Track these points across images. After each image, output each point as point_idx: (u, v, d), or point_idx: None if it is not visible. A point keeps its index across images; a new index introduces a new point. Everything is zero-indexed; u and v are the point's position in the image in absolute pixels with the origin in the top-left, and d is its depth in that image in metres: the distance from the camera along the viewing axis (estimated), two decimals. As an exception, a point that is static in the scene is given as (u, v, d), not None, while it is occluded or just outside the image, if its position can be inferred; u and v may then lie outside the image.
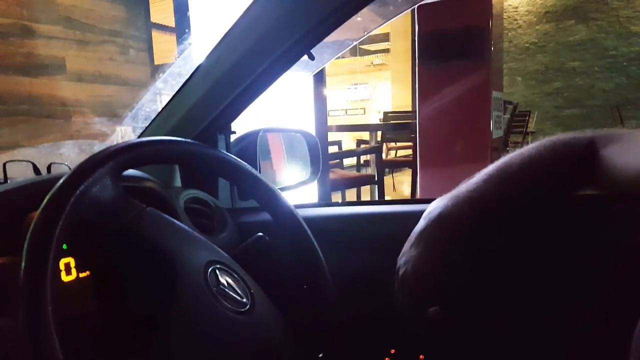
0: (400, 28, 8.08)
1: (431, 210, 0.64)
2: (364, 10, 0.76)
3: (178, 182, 0.92)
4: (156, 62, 4.39)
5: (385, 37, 9.04)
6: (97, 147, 0.52)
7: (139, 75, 4.16)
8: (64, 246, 0.51)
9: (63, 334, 0.39)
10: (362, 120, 10.46)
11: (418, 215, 0.66)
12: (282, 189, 0.71)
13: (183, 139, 0.60)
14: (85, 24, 3.72)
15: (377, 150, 3.52)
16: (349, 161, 5.26)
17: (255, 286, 0.60)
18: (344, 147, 5.22)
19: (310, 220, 0.70)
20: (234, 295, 0.55)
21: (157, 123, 0.92)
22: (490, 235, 0.66)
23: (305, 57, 0.81)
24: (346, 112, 11.66)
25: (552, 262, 0.69)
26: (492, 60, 2.80)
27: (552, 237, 0.68)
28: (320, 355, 0.65)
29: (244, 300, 0.55)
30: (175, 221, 0.58)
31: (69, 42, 3.60)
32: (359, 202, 1.22)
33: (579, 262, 0.67)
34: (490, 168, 0.64)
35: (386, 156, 5.55)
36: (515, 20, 8.06)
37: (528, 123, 6.10)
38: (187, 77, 0.88)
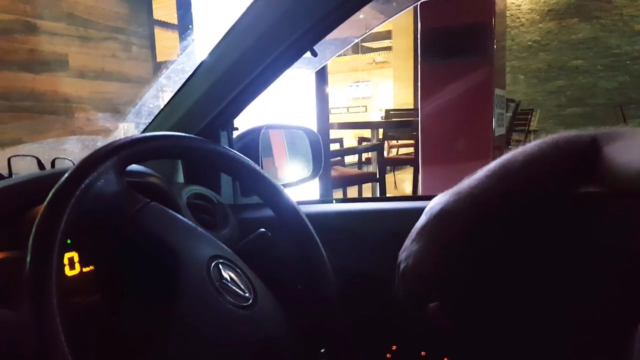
0: (402, 25, 8.06)
1: (433, 206, 0.64)
2: (367, 7, 0.77)
3: (181, 178, 0.92)
4: (158, 59, 4.40)
5: (387, 35, 9.02)
6: (101, 143, 0.52)
7: (142, 72, 4.16)
8: (68, 241, 0.52)
9: (67, 328, 0.40)
10: (364, 118, 10.44)
11: (420, 211, 0.66)
12: (283, 186, 0.71)
13: (187, 135, 0.60)
14: (88, 21, 3.72)
15: (378, 148, 3.52)
16: (351, 159, 5.26)
17: (257, 281, 0.60)
18: (346, 145, 5.22)
19: (312, 217, 0.70)
20: (237, 290, 0.55)
21: (160, 119, 0.93)
22: (491, 231, 0.66)
23: (308, 54, 0.82)
24: (348, 110, 11.65)
25: (552, 260, 0.69)
26: (495, 58, 2.80)
27: (553, 234, 0.69)
28: (322, 350, 0.65)
29: (247, 295, 0.56)
30: (179, 216, 0.58)
31: (72, 38, 3.61)
32: (361, 199, 1.22)
33: (580, 259, 0.67)
34: (493, 165, 0.64)
35: (387, 154, 5.54)
36: (518, 18, 8.03)
37: (530, 121, 6.09)
38: (190, 73, 0.89)
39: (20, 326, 0.45)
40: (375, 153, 3.50)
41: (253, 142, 0.97)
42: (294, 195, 0.71)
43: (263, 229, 0.69)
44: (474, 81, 2.75)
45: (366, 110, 11.47)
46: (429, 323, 0.67)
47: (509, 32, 7.73)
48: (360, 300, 0.78)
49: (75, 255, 0.57)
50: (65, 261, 0.56)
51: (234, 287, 0.55)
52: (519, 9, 8.02)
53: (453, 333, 0.72)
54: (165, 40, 4.55)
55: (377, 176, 3.33)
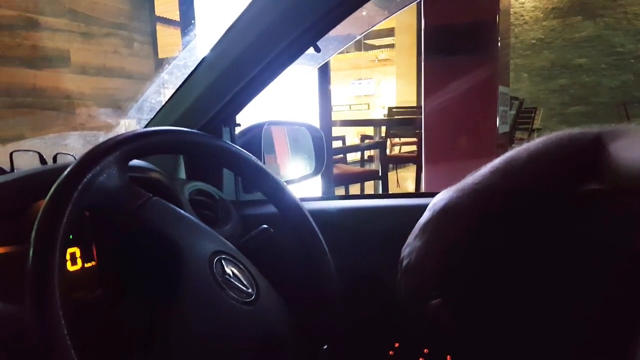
0: (405, 23, 8.04)
1: (436, 202, 0.64)
2: (370, 3, 0.76)
3: (183, 175, 0.92)
4: (160, 56, 4.39)
5: (390, 32, 9.00)
6: (102, 138, 0.52)
7: (143, 68, 4.16)
8: (70, 236, 0.51)
9: (69, 322, 0.39)
10: (366, 116, 10.42)
11: (423, 208, 0.66)
12: (285, 183, 0.71)
13: (190, 130, 0.60)
14: (90, 17, 3.72)
15: (381, 146, 3.52)
16: (353, 157, 5.25)
17: (260, 277, 0.60)
18: (348, 143, 5.22)
19: (314, 213, 0.70)
20: (240, 285, 0.55)
21: (162, 115, 0.92)
22: (494, 228, 0.66)
23: (311, 50, 0.81)
24: (350, 108, 11.63)
25: (555, 257, 0.69)
26: (499, 55, 2.79)
27: (557, 231, 0.68)
28: (324, 347, 0.65)
29: (249, 290, 0.55)
30: (181, 211, 0.58)
31: (74, 34, 3.60)
32: (363, 196, 1.22)
33: (582, 257, 0.67)
34: (497, 161, 0.64)
35: (390, 152, 5.54)
36: (522, 16, 8.00)
37: (534, 120, 6.07)
38: (192, 69, 0.88)
39: (23, 320, 0.45)
40: (377, 151, 3.50)
41: (255, 139, 0.97)
42: (296, 192, 0.71)
43: (265, 226, 0.69)
44: (478, 78, 2.74)
45: (369, 108, 11.46)
46: (430, 320, 0.67)
47: (513, 30, 7.71)
48: (362, 297, 0.77)
49: (77, 250, 0.57)
50: (67, 257, 0.56)
51: (236, 283, 0.54)
52: (523, 7, 8.00)
53: (454, 330, 0.72)
54: (167, 37, 4.54)
55: (380, 174, 3.33)
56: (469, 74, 2.76)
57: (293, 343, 0.59)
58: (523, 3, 8.00)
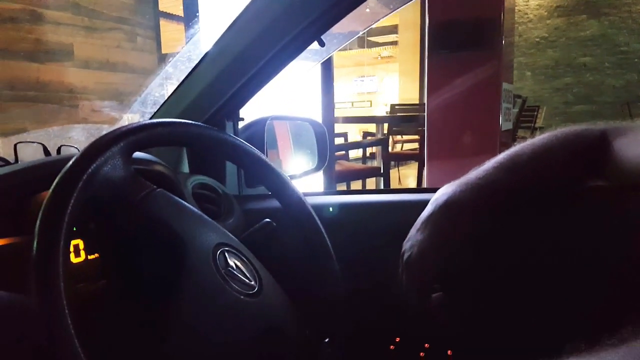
0: (408, 20, 8.01)
1: (439, 196, 0.64)
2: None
3: (186, 168, 0.92)
4: (163, 51, 4.39)
5: (393, 29, 8.97)
6: (106, 131, 0.52)
7: (146, 63, 4.15)
8: (74, 228, 0.51)
9: (73, 313, 0.40)
10: (369, 113, 10.41)
11: (424, 204, 0.66)
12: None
13: (194, 122, 0.60)
14: (94, 11, 3.72)
15: (383, 143, 3.52)
16: (355, 154, 5.25)
17: (263, 270, 0.60)
18: (350, 140, 5.21)
19: (317, 208, 0.70)
20: (243, 278, 0.55)
21: (166, 108, 0.93)
22: (497, 223, 0.66)
23: (314, 45, 0.81)
24: (352, 105, 11.62)
25: (558, 253, 0.69)
26: (503, 52, 2.78)
27: (560, 227, 0.68)
28: (326, 340, 0.65)
29: (252, 283, 0.56)
30: (185, 203, 0.58)
31: (77, 28, 3.60)
32: (366, 191, 1.22)
33: (586, 253, 0.67)
34: (501, 157, 0.64)
35: (392, 149, 5.54)
36: (526, 14, 7.97)
37: (536, 118, 6.05)
38: (196, 62, 0.88)
39: (27, 310, 0.45)
40: (379, 148, 3.49)
41: (258, 133, 0.97)
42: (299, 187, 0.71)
43: (268, 219, 0.69)
44: (482, 75, 2.73)
45: (371, 105, 11.44)
46: (431, 314, 0.67)
47: (517, 29, 7.68)
48: (364, 292, 0.77)
49: (80, 242, 0.57)
50: (71, 249, 0.56)
51: (239, 275, 0.55)
52: (527, 5, 7.96)
53: (455, 324, 0.72)
54: (170, 32, 4.54)
55: (382, 171, 3.32)
56: (472, 70, 2.75)
57: (295, 336, 0.59)
58: (527, 1, 7.96)
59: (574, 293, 0.67)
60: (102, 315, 0.54)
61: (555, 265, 0.68)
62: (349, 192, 0.99)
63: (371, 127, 5.16)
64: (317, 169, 1.11)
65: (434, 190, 0.68)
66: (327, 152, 1.11)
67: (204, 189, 0.83)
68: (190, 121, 0.60)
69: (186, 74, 0.89)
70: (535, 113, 5.98)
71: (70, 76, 3.54)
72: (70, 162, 0.46)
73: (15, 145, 0.69)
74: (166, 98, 0.93)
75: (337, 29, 0.81)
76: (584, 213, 0.67)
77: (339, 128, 4.52)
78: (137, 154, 0.57)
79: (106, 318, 0.54)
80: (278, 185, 0.68)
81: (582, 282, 0.67)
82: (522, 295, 0.71)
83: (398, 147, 6.22)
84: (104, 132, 0.51)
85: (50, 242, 0.41)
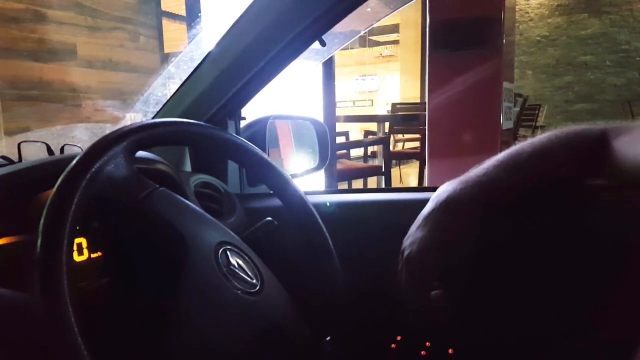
0: (410, 19, 8.01)
1: (439, 193, 0.64)
2: (375, -1, 0.76)
3: (188, 167, 0.93)
4: (166, 51, 4.39)
5: (394, 28, 8.97)
6: (109, 131, 0.53)
7: (149, 62, 4.16)
8: (77, 227, 0.52)
9: (76, 311, 0.40)
10: (370, 112, 10.40)
11: (425, 202, 0.66)
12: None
13: (196, 121, 0.60)
14: (96, 10, 3.72)
15: (384, 142, 3.52)
16: (356, 152, 5.25)
17: (264, 268, 0.60)
18: (351, 139, 5.21)
19: (318, 207, 0.70)
20: (244, 276, 0.55)
21: (168, 108, 0.93)
22: (497, 221, 0.66)
23: (315, 44, 0.81)
24: (354, 104, 11.61)
25: (557, 251, 0.69)
26: (504, 51, 2.77)
27: (559, 225, 0.68)
28: (327, 338, 0.66)
29: (254, 281, 0.56)
30: (187, 202, 0.58)
31: (80, 28, 3.61)
32: (367, 190, 1.22)
33: (585, 252, 0.67)
34: (501, 155, 0.64)
35: (393, 148, 5.54)
36: (527, 12, 7.96)
37: (537, 117, 6.05)
38: (198, 62, 0.89)
39: (30, 307, 0.46)
40: (381, 146, 3.49)
41: (260, 132, 0.97)
42: (300, 186, 0.71)
43: (269, 218, 0.70)
44: (483, 74, 2.73)
45: (372, 104, 11.43)
46: (431, 311, 0.67)
47: (518, 27, 7.67)
48: (365, 290, 0.78)
49: (83, 241, 0.58)
50: (74, 247, 0.56)
51: (241, 274, 0.55)
52: (528, 4, 7.95)
53: (454, 322, 0.72)
54: (172, 31, 4.54)
55: (383, 169, 3.32)
56: (473, 69, 2.75)
57: (297, 334, 0.60)
58: (528, 0, 7.95)
59: (574, 292, 0.67)
60: (105, 314, 0.55)
61: (554, 263, 0.69)
62: (350, 191, 1.00)
63: (372, 126, 5.16)
64: (318, 168, 1.12)
65: (434, 189, 0.68)
66: (328, 151, 1.11)
67: (206, 188, 0.83)
68: (192, 121, 0.60)
69: (188, 73, 0.90)
70: (536, 112, 5.98)
71: (73, 75, 3.55)
72: (74, 162, 0.46)
73: (19, 145, 0.69)
74: (168, 97, 0.94)
75: (338, 28, 0.81)
76: (584, 212, 0.67)
77: (340, 127, 4.52)
78: (140, 153, 0.58)
79: (108, 316, 0.54)
80: (279, 184, 0.68)
81: (581, 281, 0.67)
82: (522, 294, 0.71)
83: (399, 146, 6.22)
84: (107, 132, 0.52)
85: (54, 241, 0.41)
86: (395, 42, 9.80)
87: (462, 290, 0.68)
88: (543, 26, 7.92)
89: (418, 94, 8.01)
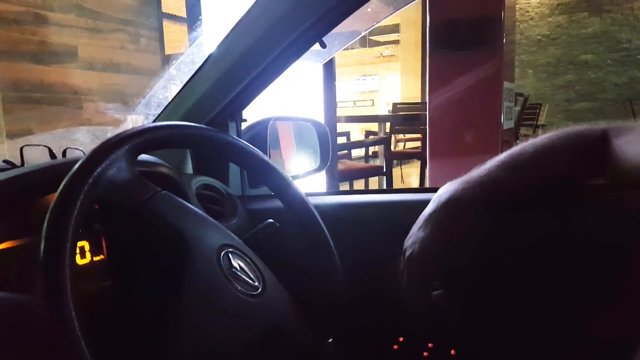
0: (410, 19, 8.01)
1: (441, 193, 0.65)
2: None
3: (189, 169, 0.93)
4: (167, 52, 4.40)
5: (395, 28, 8.97)
6: (111, 134, 0.53)
7: (150, 64, 4.17)
8: (79, 230, 0.52)
9: (79, 314, 0.40)
10: (371, 112, 10.39)
11: (426, 203, 0.66)
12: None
13: (197, 124, 0.61)
14: (97, 12, 3.73)
15: (385, 142, 3.52)
16: (357, 153, 5.25)
17: (266, 271, 0.60)
18: (352, 139, 5.21)
19: (319, 208, 0.70)
20: (246, 278, 0.55)
21: (169, 110, 0.93)
22: (498, 220, 0.66)
23: (316, 46, 0.82)
24: (354, 104, 11.59)
25: (559, 251, 0.69)
26: (504, 51, 2.77)
27: (560, 225, 0.69)
28: (330, 340, 0.66)
29: (256, 283, 0.56)
30: (189, 204, 0.58)
31: (81, 30, 3.62)
32: (368, 191, 1.22)
33: (586, 251, 0.67)
34: (503, 155, 0.64)
35: (394, 148, 5.53)
36: (527, 12, 7.95)
37: (538, 116, 6.04)
38: (199, 64, 0.89)
39: (33, 310, 0.46)
40: (382, 147, 3.49)
41: (261, 134, 0.97)
42: (301, 187, 0.71)
43: (271, 220, 0.70)
44: (483, 74, 2.73)
45: (373, 104, 11.42)
46: (432, 312, 0.67)
47: (518, 26, 7.66)
48: (366, 292, 0.78)
49: (86, 244, 0.58)
50: (77, 250, 0.56)
51: (243, 276, 0.55)
52: (529, 3, 7.94)
53: (457, 322, 0.72)
54: (173, 33, 4.55)
55: (384, 170, 3.32)
56: (474, 69, 2.75)
57: (299, 336, 0.60)
58: (529, -1, 7.95)
59: (574, 292, 0.67)
60: (107, 316, 0.55)
61: (555, 263, 0.69)
62: (351, 192, 1.00)
63: (373, 126, 5.16)
64: (319, 169, 1.12)
65: (436, 189, 0.68)
66: (329, 152, 1.11)
67: (208, 190, 0.83)
68: (193, 124, 0.60)
69: (189, 75, 0.90)
70: (538, 111, 5.98)
71: (75, 78, 3.56)
72: (77, 166, 0.47)
73: (21, 149, 0.70)
74: (170, 100, 0.94)
75: (339, 29, 0.82)
76: (585, 212, 0.67)
77: (341, 127, 4.52)
78: (142, 156, 0.58)
79: (111, 319, 0.55)
80: (280, 186, 0.68)
81: (582, 281, 0.67)
82: (523, 293, 0.71)
83: (400, 146, 6.22)
84: (109, 135, 0.52)
85: (57, 244, 0.42)
86: (396, 42, 9.80)
87: (464, 291, 0.68)
88: (544, 25, 7.91)
89: (419, 94, 8.01)
